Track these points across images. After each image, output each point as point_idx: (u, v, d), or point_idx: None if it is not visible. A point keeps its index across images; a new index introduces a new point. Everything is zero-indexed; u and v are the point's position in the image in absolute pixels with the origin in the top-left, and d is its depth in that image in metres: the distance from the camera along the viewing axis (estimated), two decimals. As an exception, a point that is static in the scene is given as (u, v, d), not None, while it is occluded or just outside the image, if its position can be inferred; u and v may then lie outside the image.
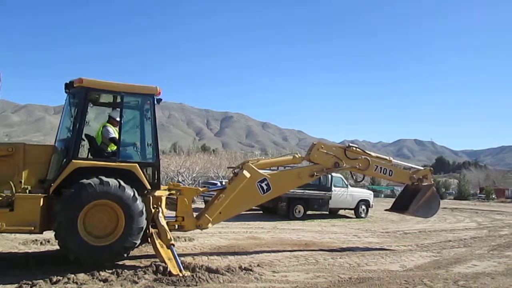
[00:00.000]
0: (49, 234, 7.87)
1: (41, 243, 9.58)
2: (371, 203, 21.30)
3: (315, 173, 10.04)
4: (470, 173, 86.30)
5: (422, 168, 11.96)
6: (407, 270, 8.39)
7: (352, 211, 20.78)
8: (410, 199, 11.12)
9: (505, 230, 17.21)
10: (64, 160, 7.27)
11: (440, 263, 9.24)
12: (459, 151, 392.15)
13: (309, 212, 18.72)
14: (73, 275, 6.47)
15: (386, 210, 12.50)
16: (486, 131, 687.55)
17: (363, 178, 12.10)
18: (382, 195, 58.46)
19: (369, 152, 10.89)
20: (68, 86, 7.82)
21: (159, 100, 8.02)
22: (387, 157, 11.20)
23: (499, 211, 32.33)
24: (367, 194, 21.60)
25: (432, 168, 12.35)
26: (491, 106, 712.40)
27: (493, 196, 62.91)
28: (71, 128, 7.57)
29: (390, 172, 10.88)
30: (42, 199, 6.95)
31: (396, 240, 12.82)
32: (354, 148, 10.60)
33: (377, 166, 10.67)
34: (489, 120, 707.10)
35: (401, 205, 11.54)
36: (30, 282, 6.09)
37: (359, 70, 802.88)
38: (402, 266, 8.82)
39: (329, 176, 18.41)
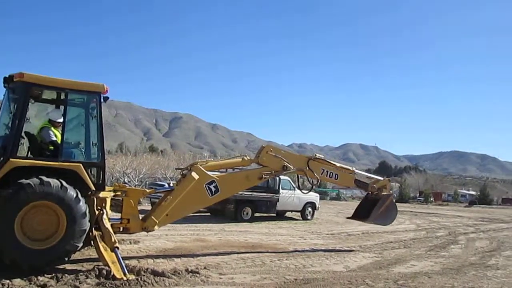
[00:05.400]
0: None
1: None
2: (317, 205, 21.77)
3: (263, 176, 10.13)
4: (411, 177, 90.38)
5: (381, 178, 12.49)
6: (351, 271, 8.65)
7: (299, 213, 21.12)
8: (370, 207, 11.58)
9: (441, 231, 18.20)
10: (1, 158, 6.88)
11: (382, 263, 9.61)
12: (401, 156, 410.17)
13: (256, 214, 18.82)
14: (8, 281, 6.14)
15: (348, 218, 13.08)
16: (425, 138, 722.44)
17: (318, 182, 11.71)
18: (328, 198, 59.91)
19: (333, 163, 11.27)
20: (8, 80, 7.37)
21: (105, 98, 7.77)
22: (350, 168, 11.63)
23: (437, 213, 34.14)
24: (313, 196, 21.99)
25: (390, 179, 12.96)
26: (430, 115, 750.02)
27: (431, 199, 66.27)
28: (9, 125, 7.18)
29: (336, 175, 11.19)
30: (-25, 200, 6.52)
31: (340, 242, 13.19)
32: (320, 159, 10.89)
33: (323, 170, 10.93)
34: (428, 128, 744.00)
35: (362, 213, 12.01)
36: (-41, 289, 5.72)
37: (308, 75, 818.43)
38: (346, 267, 9.08)
39: (277, 178, 18.63)
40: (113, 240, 7.27)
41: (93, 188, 7.40)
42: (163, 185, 18.88)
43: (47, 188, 6.69)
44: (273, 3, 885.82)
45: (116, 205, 8.48)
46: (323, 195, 50.50)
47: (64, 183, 6.84)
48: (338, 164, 11.37)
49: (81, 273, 6.72)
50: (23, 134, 7.28)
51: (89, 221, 7.15)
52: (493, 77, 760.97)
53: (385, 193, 11.71)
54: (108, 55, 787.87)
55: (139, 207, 8.87)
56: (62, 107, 7.84)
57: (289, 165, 10.22)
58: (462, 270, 9.17)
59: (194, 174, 9.13)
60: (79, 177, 7.20)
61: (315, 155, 11.04)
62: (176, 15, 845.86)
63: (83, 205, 7.00)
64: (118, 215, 8.41)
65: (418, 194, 75.09)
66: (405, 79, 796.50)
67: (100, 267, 6.89)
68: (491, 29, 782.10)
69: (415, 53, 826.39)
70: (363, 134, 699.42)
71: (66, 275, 6.60)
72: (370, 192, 11.95)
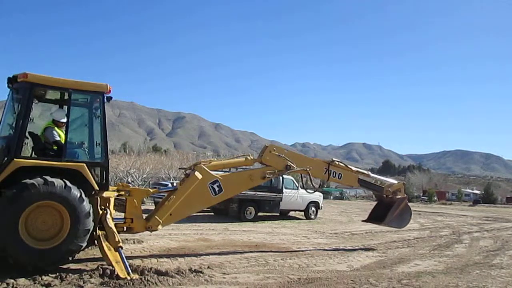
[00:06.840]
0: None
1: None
2: (320, 204, 21.77)
3: (266, 175, 10.13)
4: (414, 176, 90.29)
5: (396, 182, 12.58)
6: (354, 270, 8.64)
7: (302, 213, 21.11)
8: (385, 210, 11.71)
9: (445, 230, 18.13)
10: (6, 158, 6.91)
11: (385, 263, 9.58)
12: (405, 155, 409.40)
13: (260, 214, 18.82)
14: (12, 280, 6.16)
15: (363, 220, 13.22)
16: (429, 137, 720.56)
17: (323, 184, 12.47)
18: (331, 197, 59.90)
19: (350, 167, 11.45)
20: (12, 80, 7.42)
21: (109, 98, 7.79)
22: (365, 171, 11.76)
23: (440, 212, 34.08)
24: (316, 196, 21.97)
25: (405, 182, 13.05)
26: (434, 114, 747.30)
27: (435, 198, 66.17)
28: (13, 125, 7.20)
29: (340, 175, 11.18)
30: (-21, 200, 6.54)
31: (344, 241, 13.18)
32: (337, 163, 11.04)
33: (326, 169, 10.92)
34: (432, 127, 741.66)
35: (377, 216, 12.15)
36: (-36, 289, 5.74)
37: (311, 74, 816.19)
38: (349, 266, 9.07)
39: (280, 178, 18.62)
40: (117, 239, 7.28)
41: (96, 187, 7.42)
42: (166, 185, 18.90)
43: (51, 188, 6.71)
44: (274, 2, 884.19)
45: (120, 205, 8.49)
46: (326, 195, 50.50)
47: (68, 183, 6.86)
48: (354, 168, 11.55)
49: (85, 273, 6.74)
50: (27, 134, 7.30)
51: (92, 220, 7.17)
52: (498, 77, 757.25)
53: (399, 196, 11.82)
54: (111, 55, 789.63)
55: (143, 207, 8.87)
56: (65, 107, 7.86)
57: (292, 165, 10.22)
58: (466, 270, 9.13)
59: (197, 174, 9.14)
60: (83, 177, 7.22)
61: (332, 159, 11.23)
62: (179, 15, 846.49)
63: (86, 205, 7.02)
64: (121, 215, 8.42)
65: (422, 193, 74.94)
66: (409, 78, 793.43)
67: (104, 266, 6.91)
68: (497, 28, 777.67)
69: (419, 52, 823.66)
70: (366, 133, 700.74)
71: (70, 274, 6.61)
72: (385, 195, 12.02)
